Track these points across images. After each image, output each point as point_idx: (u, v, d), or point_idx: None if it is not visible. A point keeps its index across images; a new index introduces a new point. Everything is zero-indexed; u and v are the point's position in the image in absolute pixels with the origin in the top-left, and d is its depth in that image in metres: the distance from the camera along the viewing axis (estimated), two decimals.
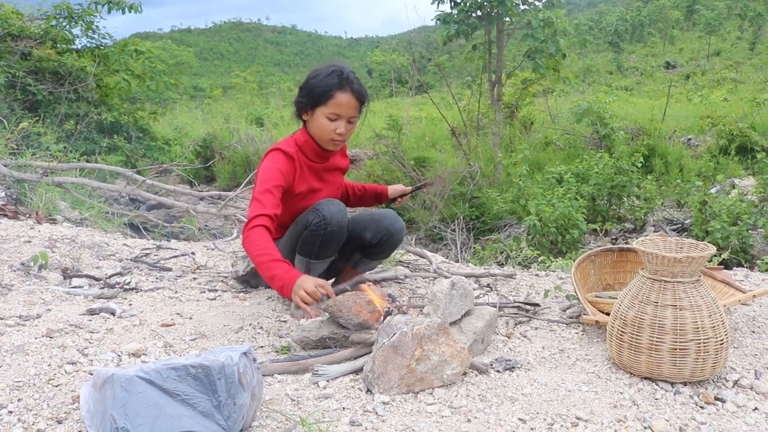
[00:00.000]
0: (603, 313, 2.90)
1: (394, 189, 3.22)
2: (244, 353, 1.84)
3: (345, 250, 2.98)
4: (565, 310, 3.13)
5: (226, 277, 3.34)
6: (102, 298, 2.79)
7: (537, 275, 3.86)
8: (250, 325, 2.70)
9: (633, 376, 2.38)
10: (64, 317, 2.51)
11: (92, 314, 2.58)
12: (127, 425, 1.66)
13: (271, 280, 2.42)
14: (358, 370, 2.28)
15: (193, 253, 3.61)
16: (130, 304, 2.77)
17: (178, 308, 2.79)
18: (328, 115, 2.70)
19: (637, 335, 2.34)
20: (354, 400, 2.09)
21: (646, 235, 7.02)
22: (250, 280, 3.22)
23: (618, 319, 2.44)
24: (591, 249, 6.95)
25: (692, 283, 2.32)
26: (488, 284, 3.43)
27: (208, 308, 2.84)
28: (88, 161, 5.29)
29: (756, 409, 2.16)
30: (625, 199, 7.29)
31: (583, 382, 2.32)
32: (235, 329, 2.62)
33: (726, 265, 6.27)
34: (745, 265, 5.24)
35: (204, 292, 3.08)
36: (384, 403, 2.07)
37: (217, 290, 3.12)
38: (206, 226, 4.06)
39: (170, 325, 2.57)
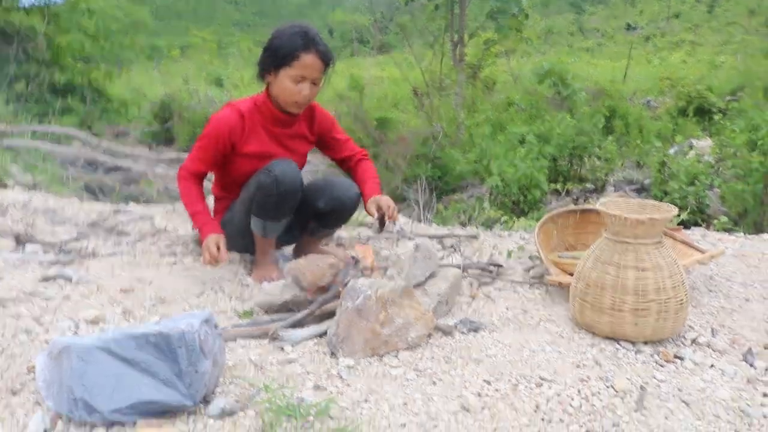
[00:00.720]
0: (566, 273, 2.93)
1: (373, 201, 2.83)
2: (205, 320, 1.80)
3: (301, 218, 2.94)
4: (528, 271, 3.15)
5: (186, 240, 3.27)
6: (58, 264, 2.70)
7: (500, 236, 3.87)
8: (212, 289, 2.65)
9: (595, 336, 2.41)
10: (17, 285, 2.42)
11: (47, 281, 2.50)
12: (85, 396, 1.62)
13: (197, 231, 2.78)
14: (323, 334, 2.26)
15: (152, 217, 3.52)
16: (87, 270, 2.70)
17: (137, 273, 2.72)
18: (293, 77, 2.63)
19: (599, 296, 2.36)
20: (318, 365, 2.07)
21: (607, 196, 7.12)
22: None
23: (581, 280, 2.46)
24: (553, 209, 7.03)
25: (654, 244, 2.34)
26: (452, 245, 3.43)
27: (169, 272, 2.77)
28: (40, 123, 5.08)
29: (712, 366, 2.21)
30: (586, 159, 7.37)
31: (547, 342, 2.34)
32: (196, 293, 2.57)
33: (684, 224, 6.39)
34: (702, 225, 5.35)
35: (164, 256, 3.01)
36: (348, 366, 2.05)
37: (177, 254, 3.05)
38: (166, 188, 3.96)
39: (129, 291, 2.51)
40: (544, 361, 2.19)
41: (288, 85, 2.64)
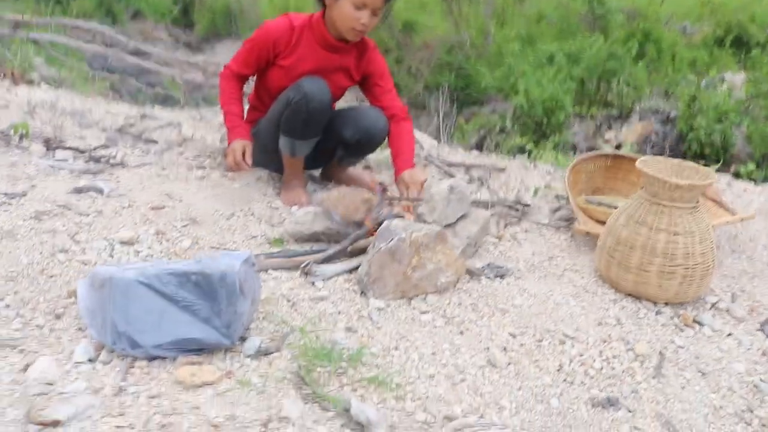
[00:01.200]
0: (593, 221, 2.93)
1: (401, 181, 2.78)
2: (245, 260, 1.82)
3: (328, 145, 2.91)
4: (554, 212, 3.15)
5: (213, 151, 3.25)
6: (88, 173, 2.70)
7: (525, 167, 3.84)
8: (241, 210, 2.66)
9: (618, 291, 2.44)
10: (51, 196, 2.43)
11: (79, 193, 2.51)
12: (129, 330, 1.67)
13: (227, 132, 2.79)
14: (353, 270, 2.29)
15: (179, 124, 3.48)
16: (118, 182, 2.70)
17: (166, 187, 2.72)
18: (354, 2, 2.54)
19: (627, 255, 2.37)
20: (349, 303, 2.11)
21: (631, 124, 7.00)
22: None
23: (610, 235, 2.46)
24: (574, 132, 6.94)
25: (689, 209, 2.32)
26: (479, 177, 3.40)
27: (198, 189, 2.78)
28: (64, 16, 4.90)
29: (730, 334, 2.25)
30: (615, 85, 7.18)
31: (571, 294, 2.38)
32: (226, 215, 2.59)
33: (704, 159, 6.34)
34: (721, 162, 5.31)
35: (192, 169, 3.00)
36: (379, 309, 2.10)
37: (204, 167, 3.05)
38: (191, 92, 3.89)
39: (160, 209, 2.52)
40: (568, 315, 2.23)
41: (348, 10, 2.55)
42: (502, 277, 2.43)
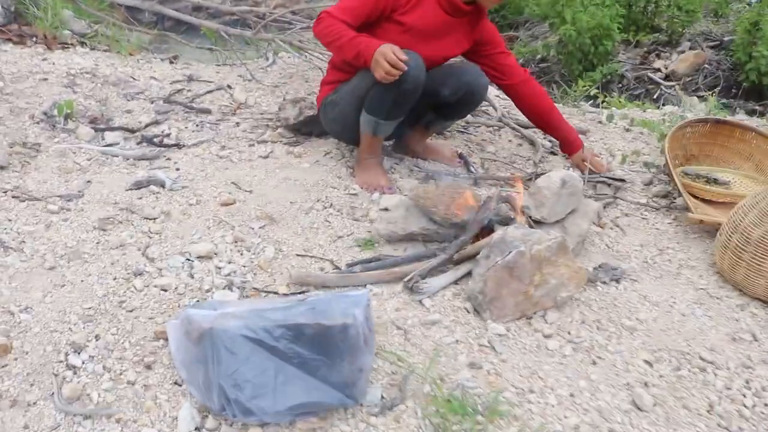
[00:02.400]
0: (694, 197, 2.64)
1: (579, 157, 2.83)
2: (365, 306, 1.56)
3: (416, 108, 2.56)
4: (647, 185, 2.86)
5: (270, 119, 2.93)
6: (144, 159, 2.40)
7: (600, 122, 3.51)
8: (318, 201, 2.38)
9: (743, 294, 2.19)
10: (110, 195, 2.15)
11: (140, 188, 2.22)
12: (240, 397, 1.43)
13: (356, 58, 2.28)
14: (458, 280, 2.03)
15: (229, 86, 3.13)
16: (178, 169, 2.40)
17: (231, 174, 2.44)
18: None
19: (760, 257, 2.11)
20: (465, 328, 1.87)
21: (682, 51, 6.54)
22: (301, 128, 2.83)
23: (737, 233, 2.19)
24: (621, 63, 6.50)
25: None
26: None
27: (265, 174, 2.49)
28: None
29: None
30: (665, 7, 6.68)
31: (694, 301, 2.14)
32: (304, 209, 2.31)
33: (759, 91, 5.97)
34: None
35: (253, 144, 2.70)
36: (500, 335, 1.86)
37: (266, 141, 2.74)
38: (227, 36, 3.48)
39: (231, 204, 2.25)
40: (697, 330, 2.00)
41: None
42: (617, 281, 2.18)
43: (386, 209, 2.29)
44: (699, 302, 2.14)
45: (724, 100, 5.78)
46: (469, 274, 2.05)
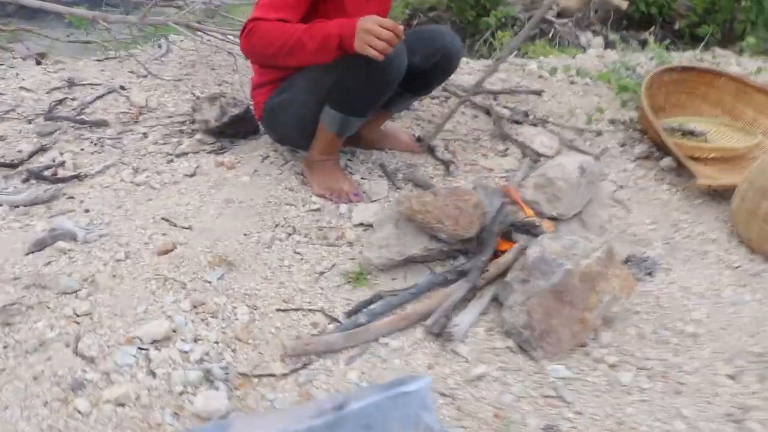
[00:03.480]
0: (687, 157, 2.36)
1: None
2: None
3: None
4: (623, 146, 2.57)
5: (183, 123, 2.35)
6: (37, 204, 1.79)
7: (542, 78, 3.16)
8: (277, 226, 1.89)
9: None
10: (5, 268, 1.56)
11: (43, 249, 1.63)
12: None
13: (324, 49, 1.74)
14: (485, 308, 1.64)
15: (122, 87, 2.49)
16: (87, 210, 1.81)
17: (157, 206, 1.88)
18: None
19: None
20: (518, 376, 1.49)
21: None
22: (225, 131, 2.29)
23: (766, 197, 1.92)
24: (513, 4, 6.23)
25: None
26: (526, 112, 2.70)
27: (199, 199, 1.95)
28: None
29: None
30: None
31: (737, 284, 1.89)
32: (265, 242, 1.81)
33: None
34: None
35: (171, 160, 2.13)
36: (563, 378, 1.49)
37: (186, 153, 2.18)
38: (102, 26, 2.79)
39: (170, 251, 1.71)
40: (754, 322, 1.73)
41: None
42: (650, 274, 1.87)
43: (370, 226, 1.85)
44: (741, 284, 1.90)
45: (615, 33, 5.72)
46: (495, 299, 1.65)
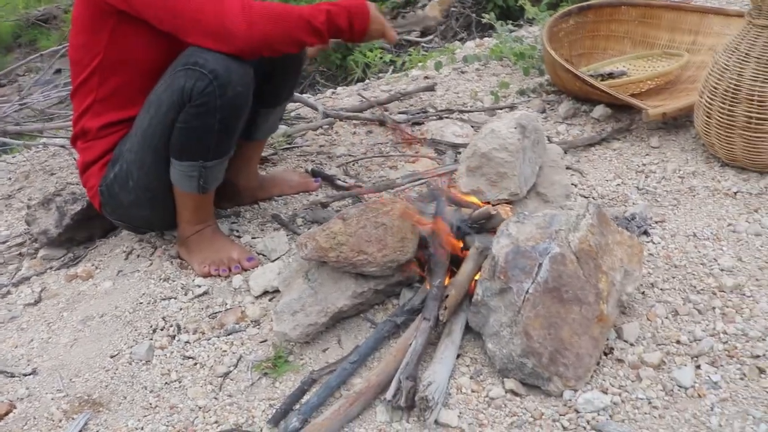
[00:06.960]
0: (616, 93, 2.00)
1: None
2: None
3: None
4: (543, 112, 2.19)
5: (22, 244, 1.81)
6: None
7: (428, 78, 2.78)
8: (155, 329, 1.37)
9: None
10: None
11: None
12: None
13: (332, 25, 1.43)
14: (459, 350, 1.15)
15: None
16: None
17: None
18: None
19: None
20: (540, 427, 1.00)
21: (424, 5, 6.18)
22: (75, 236, 1.75)
23: (741, 103, 1.56)
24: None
25: None
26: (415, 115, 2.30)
27: (46, 329, 1.43)
28: None
29: None
30: None
31: (748, 210, 1.53)
32: (141, 357, 1.29)
33: None
34: None
35: (8, 293, 1.58)
36: (602, 409, 1.02)
37: (28, 278, 1.64)
38: None
39: (8, 414, 1.17)
40: None
41: None
42: (646, 233, 1.46)
43: (277, 291, 1.35)
44: (751, 209, 1.57)
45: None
46: (469, 331, 1.18)
